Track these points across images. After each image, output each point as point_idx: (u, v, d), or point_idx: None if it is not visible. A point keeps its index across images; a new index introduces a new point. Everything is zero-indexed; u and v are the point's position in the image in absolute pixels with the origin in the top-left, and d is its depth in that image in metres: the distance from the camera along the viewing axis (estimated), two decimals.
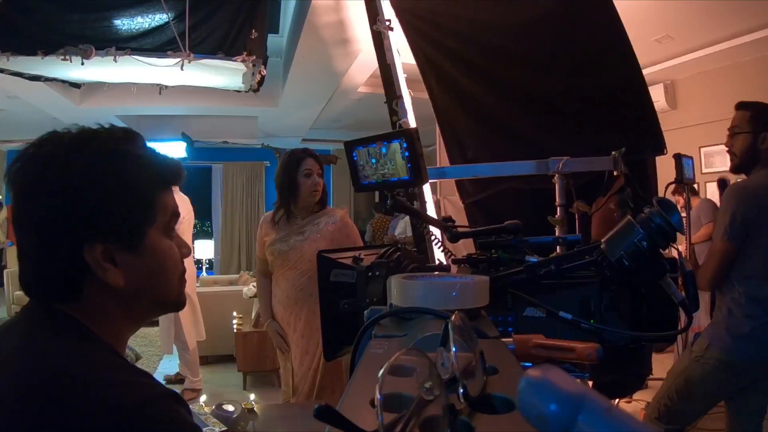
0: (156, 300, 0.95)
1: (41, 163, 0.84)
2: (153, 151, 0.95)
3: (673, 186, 3.98)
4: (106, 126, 0.93)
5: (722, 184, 2.86)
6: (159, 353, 6.29)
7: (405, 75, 3.23)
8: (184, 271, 0.99)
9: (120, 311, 0.90)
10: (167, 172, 0.95)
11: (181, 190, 5.28)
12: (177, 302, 0.98)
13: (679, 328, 1.09)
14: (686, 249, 3.83)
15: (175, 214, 0.96)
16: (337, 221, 3.08)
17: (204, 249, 9.72)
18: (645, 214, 0.90)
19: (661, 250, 0.95)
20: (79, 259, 0.83)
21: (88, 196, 0.84)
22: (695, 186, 5.80)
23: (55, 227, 0.83)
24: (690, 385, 2.66)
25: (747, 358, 2.54)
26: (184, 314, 4.99)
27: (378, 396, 0.36)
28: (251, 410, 2.66)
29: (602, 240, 1.00)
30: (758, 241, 2.53)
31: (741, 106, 2.71)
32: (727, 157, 2.78)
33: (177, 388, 5.43)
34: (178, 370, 5.60)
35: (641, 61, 2.77)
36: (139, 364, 5.65)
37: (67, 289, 0.86)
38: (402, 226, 7.88)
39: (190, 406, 0.92)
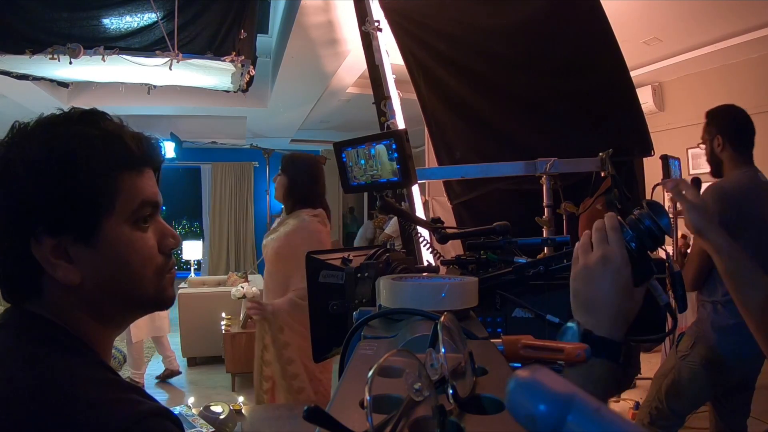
0: (126, 298, 0.85)
1: None
2: (117, 129, 0.84)
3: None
4: (67, 110, 0.84)
5: (696, 182, 2.87)
6: (146, 354, 6.27)
7: (394, 76, 3.23)
8: (165, 265, 0.88)
9: (87, 312, 0.82)
10: (132, 151, 0.83)
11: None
12: (157, 299, 0.87)
13: (667, 328, 1.09)
14: (674, 250, 3.86)
15: (149, 203, 0.84)
16: (296, 223, 3.06)
17: (192, 250, 9.66)
18: (635, 216, 0.90)
19: (648, 252, 0.96)
20: (29, 256, 0.77)
21: (28, 186, 0.76)
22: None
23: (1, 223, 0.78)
24: (678, 385, 2.67)
25: (731, 354, 2.56)
26: None
27: (367, 397, 0.36)
28: (239, 411, 2.66)
29: None
30: (740, 244, 2.55)
31: (705, 115, 2.76)
32: None
33: (164, 386, 5.47)
34: (164, 368, 5.65)
35: (629, 63, 2.79)
36: (125, 366, 5.64)
37: (25, 289, 0.80)
38: (394, 225, 7.89)
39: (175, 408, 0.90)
